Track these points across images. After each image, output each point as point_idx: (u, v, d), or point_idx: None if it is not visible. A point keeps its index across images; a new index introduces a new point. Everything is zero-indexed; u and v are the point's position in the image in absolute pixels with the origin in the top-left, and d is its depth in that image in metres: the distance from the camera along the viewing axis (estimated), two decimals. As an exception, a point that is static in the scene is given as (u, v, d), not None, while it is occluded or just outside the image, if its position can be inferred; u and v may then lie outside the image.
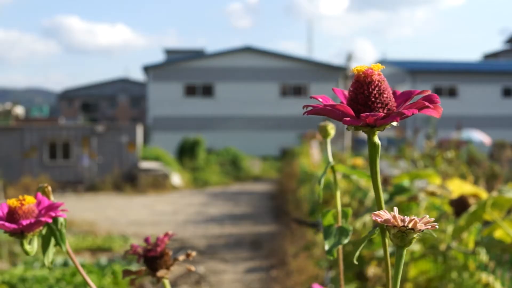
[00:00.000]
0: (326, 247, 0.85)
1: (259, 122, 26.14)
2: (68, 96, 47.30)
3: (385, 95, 0.65)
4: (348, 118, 0.63)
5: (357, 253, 0.73)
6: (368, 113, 0.62)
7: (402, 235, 0.58)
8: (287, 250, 6.56)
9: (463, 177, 3.99)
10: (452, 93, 28.49)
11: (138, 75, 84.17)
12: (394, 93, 0.69)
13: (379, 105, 0.64)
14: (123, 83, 47.17)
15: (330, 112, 0.65)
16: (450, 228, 1.99)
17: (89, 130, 15.65)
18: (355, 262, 0.74)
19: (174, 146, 21.09)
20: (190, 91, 26.64)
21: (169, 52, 30.98)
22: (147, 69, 26.64)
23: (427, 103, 0.62)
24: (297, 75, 26.92)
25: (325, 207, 3.38)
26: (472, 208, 1.77)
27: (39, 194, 0.86)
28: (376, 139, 0.66)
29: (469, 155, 6.62)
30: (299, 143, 16.03)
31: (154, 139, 25.37)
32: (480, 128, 23.43)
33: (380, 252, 2.15)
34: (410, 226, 0.58)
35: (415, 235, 0.58)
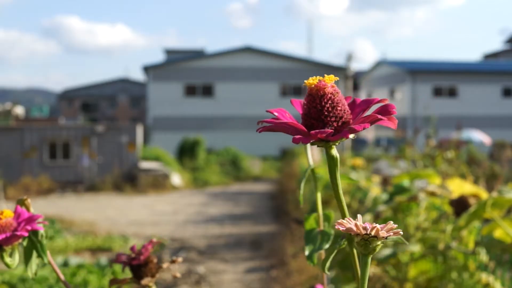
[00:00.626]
0: (306, 253, 0.83)
1: (259, 122, 26.10)
2: (68, 96, 47.30)
3: (339, 108, 0.63)
4: (299, 136, 0.62)
5: (327, 263, 0.73)
6: (317, 131, 0.61)
7: (366, 243, 0.58)
8: (287, 250, 6.57)
9: (463, 177, 3.99)
10: (452, 93, 28.49)
11: (138, 75, 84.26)
12: (354, 101, 0.68)
13: (333, 118, 0.63)
14: (123, 83, 47.17)
15: (284, 129, 0.64)
16: (449, 228, 1.99)
17: (89, 130, 15.65)
18: (326, 272, 0.73)
19: (174, 146, 21.08)
20: (190, 91, 26.64)
21: (169, 52, 30.98)
22: (147, 69, 26.63)
23: (379, 116, 0.61)
24: (297, 75, 26.92)
25: (325, 207, 3.39)
26: (472, 208, 1.77)
27: (19, 207, 0.87)
28: (334, 152, 0.65)
29: (469, 155, 6.63)
30: (299, 143, 16.00)
31: (154, 139, 25.37)
32: (480, 128, 23.42)
33: (380, 253, 2.15)
34: (372, 233, 0.57)
35: (378, 243, 0.58)
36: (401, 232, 0.58)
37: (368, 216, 2.49)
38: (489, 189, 3.83)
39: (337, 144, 0.65)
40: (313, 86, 0.64)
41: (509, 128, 27.76)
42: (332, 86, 0.64)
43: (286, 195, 10.83)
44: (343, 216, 0.68)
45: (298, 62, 27.35)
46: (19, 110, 31.33)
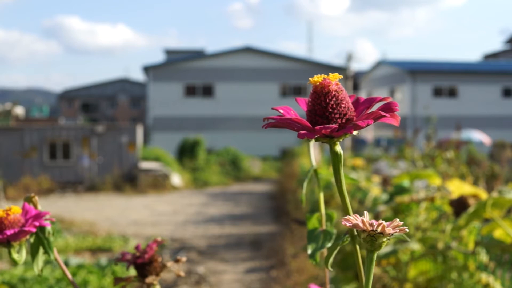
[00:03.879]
0: (309, 251, 0.85)
1: (259, 122, 26.14)
2: (68, 96, 47.30)
3: (343, 105, 0.65)
4: (304, 131, 0.63)
5: (330, 260, 0.73)
6: (322, 126, 0.62)
7: (372, 239, 0.58)
8: (287, 250, 6.57)
9: (463, 177, 3.99)
10: (452, 93, 28.48)
11: (138, 75, 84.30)
12: (357, 99, 0.69)
13: (337, 115, 0.64)
14: (123, 83, 47.17)
15: (289, 125, 0.65)
16: (449, 227, 1.99)
17: (89, 130, 15.65)
18: (329, 269, 0.74)
19: (174, 146, 21.07)
20: (190, 91, 26.63)
21: (169, 52, 30.97)
22: (147, 69, 26.63)
23: (383, 113, 0.62)
24: (297, 75, 26.92)
25: (325, 207, 3.38)
26: (472, 208, 1.77)
27: (26, 204, 0.88)
28: (338, 148, 0.66)
29: (469, 155, 6.62)
30: (299, 143, 16.03)
31: (154, 139, 25.36)
32: (480, 128, 23.41)
33: (379, 252, 2.15)
34: (379, 230, 0.58)
35: (384, 239, 0.58)
36: (407, 229, 0.58)
37: (368, 216, 2.49)
38: (489, 189, 3.83)
39: (341, 140, 0.66)
40: (318, 83, 0.65)
41: (509, 128, 27.75)
42: (337, 84, 0.65)
43: (286, 195, 10.83)
44: (347, 213, 0.69)
45: (298, 62, 27.35)
46: (19, 110, 31.33)
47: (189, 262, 6.64)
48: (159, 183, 14.77)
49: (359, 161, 6.33)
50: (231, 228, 9.09)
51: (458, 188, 2.41)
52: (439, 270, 2.12)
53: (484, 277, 1.85)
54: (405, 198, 2.29)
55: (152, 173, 15.03)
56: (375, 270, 2.52)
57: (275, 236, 8.02)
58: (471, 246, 1.98)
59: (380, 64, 32.29)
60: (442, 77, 28.42)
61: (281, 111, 0.68)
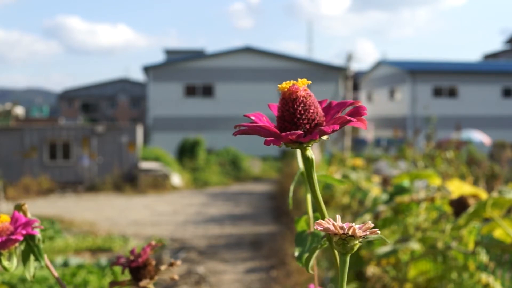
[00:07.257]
0: (296, 254, 0.85)
1: (259, 122, 26.06)
2: (68, 96, 47.30)
3: (311, 111, 0.65)
4: (270, 138, 0.63)
5: (311, 262, 0.74)
6: (287, 132, 0.62)
7: (343, 243, 0.59)
8: (287, 251, 6.57)
9: (463, 177, 3.99)
10: (452, 93, 28.48)
11: (138, 75, 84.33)
12: (330, 104, 0.69)
13: (305, 121, 0.64)
14: (123, 83, 47.17)
15: (258, 132, 0.66)
16: (449, 227, 1.99)
17: (89, 130, 15.65)
18: (310, 271, 0.75)
19: (174, 146, 21.06)
20: (190, 91, 26.63)
21: (169, 52, 30.97)
22: (147, 69, 26.64)
23: (349, 118, 0.63)
24: (297, 75, 26.79)
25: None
26: (472, 208, 1.77)
27: (16, 212, 0.89)
28: (309, 153, 0.66)
29: (469, 155, 6.62)
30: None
31: (154, 139, 25.37)
32: (480, 128, 23.41)
33: (379, 252, 2.15)
34: (350, 233, 0.58)
35: (356, 242, 0.59)
36: (378, 232, 0.59)
37: (368, 216, 2.49)
38: (489, 189, 3.83)
39: (310, 145, 0.66)
40: (285, 90, 0.65)
41: (509, 128, 27.75)
42: (305, 90, 0.65)
43: (286, 196, 10.83)
44: (322, 216, 0.70)
45: (298, 62, 27.35)
46: (19, 110, 31.33)
47: (189, 262, 6.64)
48: (159, 183, 14.77)
49: (359, 161, 6.33)
50: (231, 228, 9.09)
51: (458, 188, 2.41)
52: (439, 270, 2.12)
53: (484, 277, 1.85)
54: (405, 198, 2.29)
55: (152, 173, 15.03)
56: (375, 270, 2.52)
57: (275, 236, 8.02)
58: (471, 246, 1.98)
59: (380, 64, 32.29)
60: (442, 77, 28.42)
61: (253, 117, 0.68)
